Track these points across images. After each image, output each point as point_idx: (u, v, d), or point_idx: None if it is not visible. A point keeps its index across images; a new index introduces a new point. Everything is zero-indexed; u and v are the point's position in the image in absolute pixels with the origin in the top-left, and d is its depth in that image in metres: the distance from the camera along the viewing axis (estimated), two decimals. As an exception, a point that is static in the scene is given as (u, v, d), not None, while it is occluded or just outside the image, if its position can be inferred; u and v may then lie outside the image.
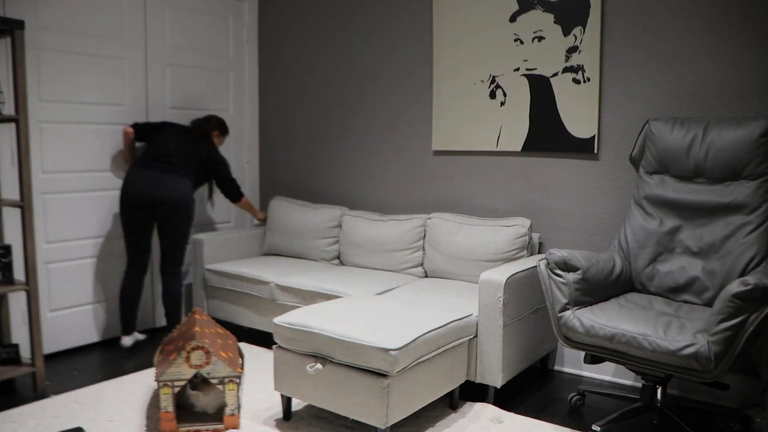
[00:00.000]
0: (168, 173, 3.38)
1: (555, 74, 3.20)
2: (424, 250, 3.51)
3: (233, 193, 3.75)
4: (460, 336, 2.63)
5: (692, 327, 2.20)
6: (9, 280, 2.91)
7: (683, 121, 2.71)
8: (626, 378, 3.10)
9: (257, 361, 3.32)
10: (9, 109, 3.09)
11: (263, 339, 3.73)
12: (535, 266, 2.92)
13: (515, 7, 3.28)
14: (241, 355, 2.81)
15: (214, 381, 2.47)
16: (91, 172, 3.53)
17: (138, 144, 3.71)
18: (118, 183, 3.66)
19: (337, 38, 4.05)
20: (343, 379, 2.35)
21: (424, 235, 3.51)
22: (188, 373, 2.43)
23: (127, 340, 3.49)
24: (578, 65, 3.12)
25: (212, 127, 3.69)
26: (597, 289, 2.53)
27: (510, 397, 2.91)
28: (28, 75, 3.22)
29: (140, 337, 3.61)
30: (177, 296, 3.49)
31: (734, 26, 2.74)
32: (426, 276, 3.52)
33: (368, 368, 2.29)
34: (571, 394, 2.80)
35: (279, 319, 2.55)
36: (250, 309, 3.61)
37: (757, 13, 2.68)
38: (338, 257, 3.86)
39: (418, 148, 3.75)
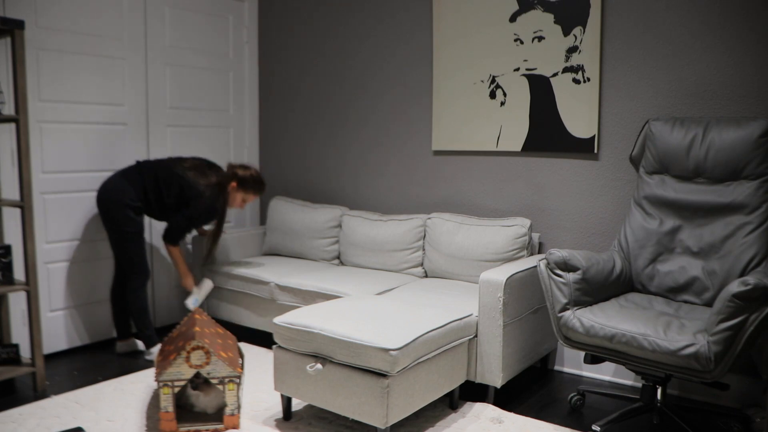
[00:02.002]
0: (118, 174, 3.28)
1: (555, 74, 3.20)
2: (424, 250, 3.51)
3: (169, 233, 3.32)
4: (460, 336, 2.63)
5: (692, 327, 2.20)
6: (9, 280, 2.91)
7: (683, 121, 2.71)
8: (626, 378, 3.10)
9: (257, 361, 3.32)
10: (9, 109, 3.09)
11: (263, 339, 3.73)
12: (535, 266, 2.92)
13: (515, 7, 3.28)
14: (241, 355, 2.81)
15: (214, 381, 2.47)
16: (91, 172, 3.53)
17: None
18: (118, 183, 3.66)
19: (337, 38, 4.05)
20: (343, 379, 2.35)
21: (424, 235, 3.51)
22: (188, 373, 2.43)
23: (127, 344, 3.51)
24: (578, 65, 3.12)
25: (232, 174, 3.40)
26: (597, 289, 2.53)
27: (510, 397, 2.91)
28: (28, 75, 3.22)
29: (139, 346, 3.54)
30: (131, 305, 3.29)
31: (734, 26, 2.74)
32: (426, 276, 3.52)
33: (368, 368, 2.29)
34: (571, 394, 2.80)
35: (279, 319, 2.55)
36: (250, 309, 3.61)
37: (756, 13, 2.68)
38: (338, 257, 3.86)
39: (418, 148, 3.75)
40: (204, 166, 3.43)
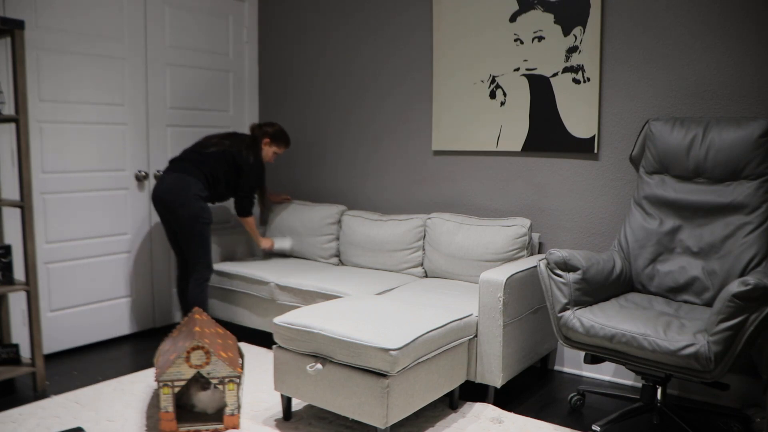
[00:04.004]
0: (175, 171, 3.34)
1: (555, 74, 3.20)
2: (424, 250, 3.51)
3: (241, 207, 3.61)
4: (460, 336, 2.63)
5: (692, 327, 2.20)
6: (9, 280, 2.91)
7: (683, 121, 2.71)
8: (626, 378, 3.10)
9: (257, 361, 3.31)
10: (9, 109, 3.09)
11: (263, 339, 3.73)
12: (535, 266, 2.92)
13: (515, 7, 3.28)
14: (241, 355, 2.81)
15: (214, 381, 2.47)
16: (91, 172, 3.53)
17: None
18: (118, 183, 3.66)
19: (337, 38, 4.05)
20: (343, 379, 2.35)
21: (424, 235, 3.51)
22: (188, 373, 2.43)
23: None
24: (578, 65, 3.12)
25: (263, 132, 3.62)
26: (597, 289, 2.53)
27: (510, 397, 2.91)
28: (28, 75, 3.22)
29: None
30: (194, 298, 3.34)
31: (734, 26, 2.74)
32: (426, 276, 3.52)
33: (368, 368, 2.29)
34: (571, 394, 2.80)
35: (279, 319, 2.55)
36: (250, 309, 3.61)
37: (756, 13, 2.68)
38: (337, 256, 3.86)
39: (418, 148, 3.75)
40: (228, 135, 3.56)
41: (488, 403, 2.78)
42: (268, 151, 3.66)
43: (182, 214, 3.27)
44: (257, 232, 3.77)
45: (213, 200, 3.52)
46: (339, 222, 3.85)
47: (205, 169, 3.39)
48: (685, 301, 2.59)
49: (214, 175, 3.43)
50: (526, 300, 2.86)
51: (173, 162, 3.43)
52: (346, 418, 2.61)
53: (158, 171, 3.85)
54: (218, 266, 3.74)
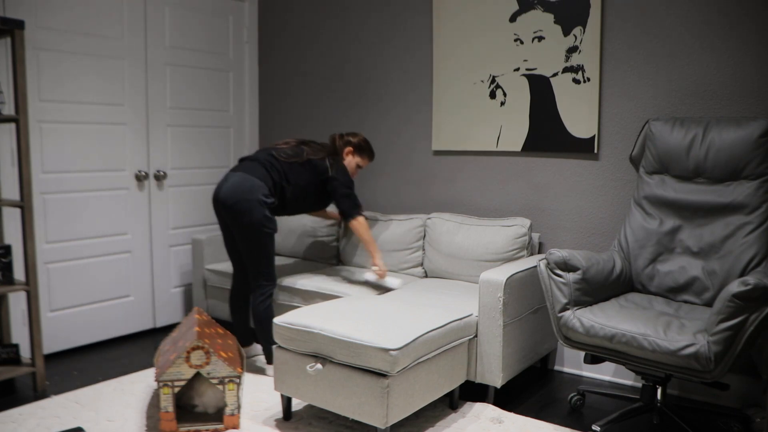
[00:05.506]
0: (239, 171, 3.02)
1: (555, 74, 3.20)
2: (424, 250, 3.51)
3: (345, 205, 3.14)
4: (460, 336, 2.63)
5: (692, 327, 2.20)
6: (9, 280, 2.91)
7: (683, 121, 2.71)
8: (626, 378, 3.10)
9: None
10: (9, 109, 3.10)
11: (263, 339, 3.73)
12: (535, 266, 2.92)
13: (515, 7, 3.28)
14: (241, 355, 2.81)
15: (214, 381, 2.47)
16: (91, 172, 3.53)
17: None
18: (118, 183, 3.66)
19: (337, 37, 4.05)
20: (343, 379, 2.35)
21: (424, 235, 3.51)
22: (188, 373, 2.43)
23: (247, 351, 3.33)
24: (578, 65, 3.12)
25: (345, 142, 3.28)
26: (597, 289, 2.53)
27: (510, 397, 2.91)
28: (28, 75, 3.22)
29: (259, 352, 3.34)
30: (258, 315, 3.01)
31: (734, 26, 2.74)
32: (426, 276, 3.52)
33: (368, 368, 2.29)
34: (571, 394, 2.80)
35: (279, 319, 2.55)
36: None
37: (756, 12, 2.68)
38: (338, 257, 3.86)
39: (418, 148, 3.75)
40: (305, 141, 3.26)
41: (488, 403, 2.79)
42: (351, 162, 3.30)
43: (244, 221, 2.92)
44: (374, 242, 3.20)
45: (277, 211, 3.15)
46: (339, 223, 3.84)
47: (275, 173, 3.04)
48: (685, 301, 2.59)
49: (284, 183, 3.07)
50: (526, 300, 2.86)
51: (241, 161, 3.14)
52: (346, 418, 2.61)
53: (159, 171, 3.84)
54: (219, 266, 3.74)
